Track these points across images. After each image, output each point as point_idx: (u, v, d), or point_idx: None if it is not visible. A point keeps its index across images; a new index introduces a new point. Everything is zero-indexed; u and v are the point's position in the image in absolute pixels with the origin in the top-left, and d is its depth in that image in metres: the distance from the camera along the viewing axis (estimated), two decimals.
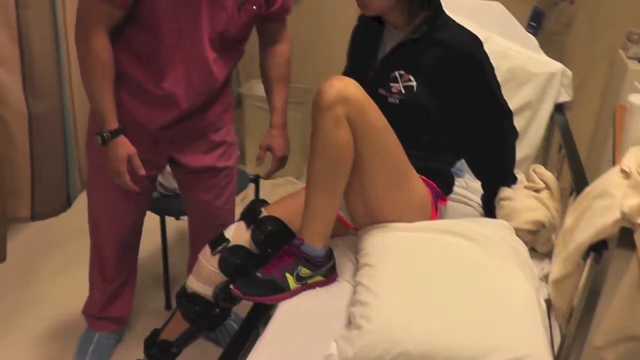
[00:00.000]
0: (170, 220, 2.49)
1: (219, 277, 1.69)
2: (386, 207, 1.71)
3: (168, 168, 2.46)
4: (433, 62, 1.72)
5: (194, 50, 1.71)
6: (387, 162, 1.65)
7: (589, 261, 1.46)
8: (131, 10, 1.62)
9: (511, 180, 1.94)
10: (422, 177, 1.77)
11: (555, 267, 1.54)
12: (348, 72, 1.93)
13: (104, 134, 1.71)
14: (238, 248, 1.71)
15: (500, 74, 2.17)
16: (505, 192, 1.99)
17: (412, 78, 1.74)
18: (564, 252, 1.51)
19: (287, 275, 1.60)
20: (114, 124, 1.71)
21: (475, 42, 1.74)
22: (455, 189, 2.13)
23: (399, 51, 1.77)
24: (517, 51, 2.32)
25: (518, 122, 2.19)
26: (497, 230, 1.75)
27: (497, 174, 1.96)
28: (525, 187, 1.95)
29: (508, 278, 1.54)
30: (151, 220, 2.34)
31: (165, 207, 2.39)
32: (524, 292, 1.49)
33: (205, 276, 1.70)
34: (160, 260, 2.47)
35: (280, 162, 2.00)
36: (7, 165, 2.30)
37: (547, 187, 1.95)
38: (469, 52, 1.72)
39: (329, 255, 1.66)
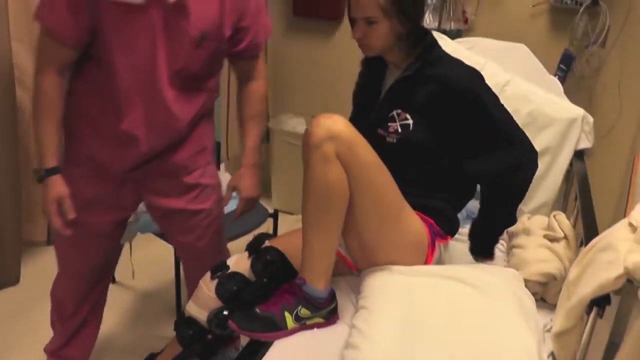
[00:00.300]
0: None
1: (216, 302, 1.69)
2: (379, 245, 1.70)
3: None
4: (428, 98, 1.72)
5: (152, 89, 1.66)
6: (378, 199, 1.64)
7: (592, 315, 1.41)
8: (87, 48, 1.61)
9: (509, 220, 1.86)
10: (420, 214, 1.75)
11: (558, 320, 1.49)
12: (353, 117, 1.93)
13: (41, 172, 1.67)
14: (236, 275, 1.72)
15: (520, 117, 2.17)
16: (517, 239, 1.95)
17: (408, 116, 1.74)
18: (566, 305, 1.45)
19: (286, 313, 1.59)
20: (51, 162, 1.67)
21: (469, 75, 1.74)
22: (465, 230, 2.10)
23: (394, 90, 1.78)
24: (538, 95, 2.29)
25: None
26: (505, 279, 1.71)
27: (497, 206, 1.84)
28: (545, 236, 1.91)
29: (508, 329, 1.50)
30: (165, 249, 2.37)
31: None
32: (524, 345, 1.45)
33: (202, 301, 1.71)
34: (173, 290, 2.49)
35: (248, 203, 1.91)
36: (24, 189, 2.35)
37: (565, 236, 1.91)
38: (463, 86, 1.71)
39: (331, 297, 1.64)
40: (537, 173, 2.14)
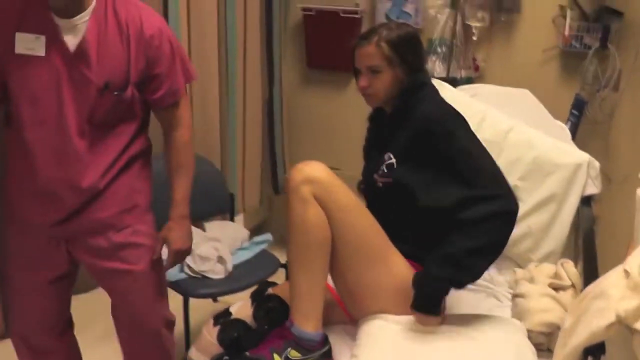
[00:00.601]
0: (194, 301, 2.51)
1: (217, 349, 1.73)
2: (366, 290, 1.70)
3: (199, 251, 2.52)
4: (407, 138, 1.76)
5: (62, 141, 1.64)
6: (360, 242, 1.66)
7: None
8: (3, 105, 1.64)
9: (464, 275, 1.67)
10: (411, 262, 1.74)
11: None
12: (364, 172, 1.98)
13: None
14: (238, 322, 1.76)
15: (524, 164, 2.18)
16: (520, 288, 1.92)
17: (392, 155, 1.77)
18: (561, 354, 1.42)
19: (275, 355, 1.59)
20: None
21: (442, 111, 1.76)
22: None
23: (384, 133, 1.83)
24: (542, 140, 2.27)
25: (542, 215, 2.15)
26: (505, 331, 1.69)
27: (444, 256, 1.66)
28: (550, 284, 1.89)
29: None
30: (174, 299, 2.38)
31: (191, 289, 2.43)
32: None
33: (204, 346, 1.75)
34: (183, 342, 2.49)
35: (177, 256, 1.86)
36: None
37: (573, 285, 1.88)
38: (434, 119, 1.74)
39: (323, 340, 1.64)
40: (544, 221, 2.15)
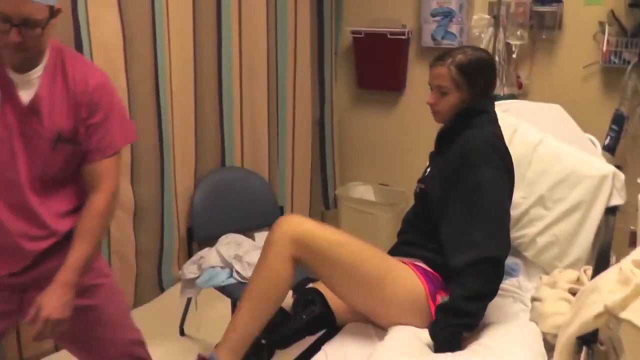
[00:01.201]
0: None
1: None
2: (377, 310, 1.85)
3: (248, 258, 2.69)
4: (447, 155, 1.90)
5: (15, 194, 1.65)
6: (355, 271, 1.79)
7: (582, 355, 1.45)
8: None
9: (467, 320, 1.78)
10: (427, 267, 1.85)
11: None
12: None
13: None
14: (280, 309, 1.87)
15: (552, 175, 2.26)
16: (539, 292, 2.00)
17: (432, 165, 1.93)
18: (558, 346, 1.50)
19: None
20: None
21: (483, 142, 1.84)
22: (506, 286, 2.17)
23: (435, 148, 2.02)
24: (570, 153, 2.33)
25: (568, 224, 2.23)
26: (521, 336, 1.78)
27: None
28: (569, 290, 1.95)
29: None
30: (225, 302, 2.57)
31: (239, 293, 2.57)
32: None
33: None
34: None
35: (47, 324, 1.62)
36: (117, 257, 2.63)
37: None
38: (470, 146, 1.84)
39: None
40: (570, 230, 2.21)
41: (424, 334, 1.81)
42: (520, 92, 3.27)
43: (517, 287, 2.22)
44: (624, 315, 1.32)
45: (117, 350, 1.93)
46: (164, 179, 2.76)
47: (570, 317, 1.52)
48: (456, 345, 1.77)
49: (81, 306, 1.75)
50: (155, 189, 2.73)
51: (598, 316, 1.37)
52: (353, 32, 3.69)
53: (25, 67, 1.62)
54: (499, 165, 1.85)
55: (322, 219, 4.01)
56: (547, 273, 2.25)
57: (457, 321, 1.76)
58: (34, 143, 1.65)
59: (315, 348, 1.87)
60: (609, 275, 1.46)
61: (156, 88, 2.64)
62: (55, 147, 1.67)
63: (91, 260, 1.75)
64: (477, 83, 1.91)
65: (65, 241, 1.74)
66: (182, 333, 3.01)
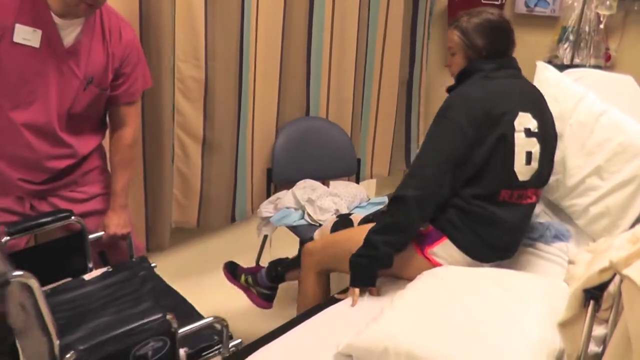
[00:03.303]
0: None
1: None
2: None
3: (320, 202, 2.89)
4: None
5: (44, 123, 1.90)
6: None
7: (589, 308, 1.54)
8: None
9: (367, 249, 1.99)
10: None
11: (563, 312, 1.63)
12: None
13: None
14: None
15: (611, 146, 2.31)
16: (576, 255, 2.07)
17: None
18: (569, 299, 1.60)
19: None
20: None
21: (457, 96, 2.02)
22: (553, 249, 2.26)
23: None
24: (632, 126, 2.34)
25: (620, 196, 2.28)
26: (544, 290, 1.84)
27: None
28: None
29: (527, 319, 1.67)
30: (294, 240, 2.82)
31: (306, 233, 2.76)
32: (539, 334, 1.63)
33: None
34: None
35: (112, 239, 2.12)
36: (181, 179, 2.91)
37: None
38: (447, 99, 2.03)
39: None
40: (621, 202, 2.26)
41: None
42: (608, 64, 3.23)
43: (565, 251, 2.30)
44: (626, 271, 1.40)
45: None
46: (240, 121, 2.98)
47: (584, 271, 1.62)
48: (364, 276, 1.99)
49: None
50: (230, 129, 2.95)
51: (603, 271, 1.45)
52: None
53: (69, 15, 1.84)
54: (458, 120, 1.94)
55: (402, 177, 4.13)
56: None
57: (363, 251, 1.97)
58: (67, 81, 1.89)
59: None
60: (624, 235, 1.54)
61: (241, 35, 2.84)
62: (86, 89, 1.94)
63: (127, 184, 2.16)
64: (477, 45, 2.03)
65: (82, 161, 2.08)
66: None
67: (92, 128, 2.10)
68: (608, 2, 3.07)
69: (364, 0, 3.36)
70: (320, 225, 2.75)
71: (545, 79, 2.53)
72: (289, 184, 3.08)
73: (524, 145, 1.98)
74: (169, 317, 1.54)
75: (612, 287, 1.56)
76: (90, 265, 2.13)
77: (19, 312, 1.52)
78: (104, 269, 2.12)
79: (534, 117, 2.01)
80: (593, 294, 1.52)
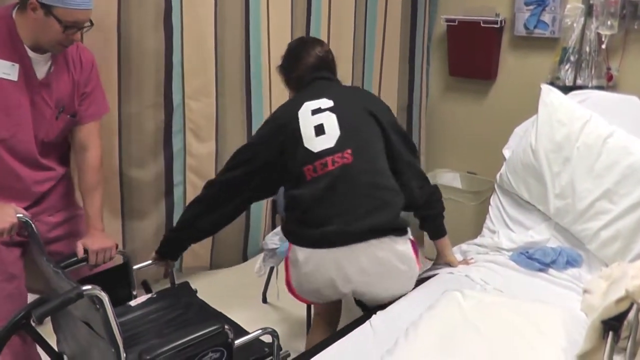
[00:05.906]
0: None
1: None
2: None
3: None
4: None
5: (26, 153, 1.98)
6: None
7: (609, 339, 1.51)
8: None
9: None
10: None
11: (582, 344, 1.60)
12: None
13: None
14: None
15: (620, 168, 2.27)
16: (591, 283, 2.03)
17: None
18: (587, 331, 1.57)
19: None
20: None
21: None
22: (566, 275, 2.23)
23: None
24: None
25: (632, 219, 2.25)
26: (563, 319, 1.81)
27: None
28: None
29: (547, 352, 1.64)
30: None
31: None
32: None
33: None
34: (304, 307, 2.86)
35: (99, 253, 2.06)
36: None
37: None
38: None
39: None
40: (633, 225, 2.21)
41: None
42: (610, 84, 3.20)
43: (577, 278, 2.27)
44: None
45: None
46: None
47: (600, 301, 1.59)
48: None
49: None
50: None
51: (619, 301, 1.43)
52: (447, 20, 3.74)
53: (41, 50, 1.92)
54: (263, 126, 2.21)
55: None
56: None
57: None
58: (42, 112, 1.98)
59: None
60: (638, 262, 1.51)
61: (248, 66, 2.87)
62: (58, 117, 2.02)
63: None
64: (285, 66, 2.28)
65: (60, 181, 2.14)
66: (264, 300, 3.24)
67: (63, 152, 2.17)
68: (609, 22, 3.05)
69: (359, 26, 3.37)
70: None
71: (551, 102, 2.52)
72: None
73: (312, 122, 2.06)
74: (226, 327, 1.60)
75: (630, 315, 1.53)
76: (135, 292, 2.17)
77: (79, 331, 1.61)
78: (147, 296, 2.16)
79: (329, 98, 2.10)
80: (612, 325, 1.49)
